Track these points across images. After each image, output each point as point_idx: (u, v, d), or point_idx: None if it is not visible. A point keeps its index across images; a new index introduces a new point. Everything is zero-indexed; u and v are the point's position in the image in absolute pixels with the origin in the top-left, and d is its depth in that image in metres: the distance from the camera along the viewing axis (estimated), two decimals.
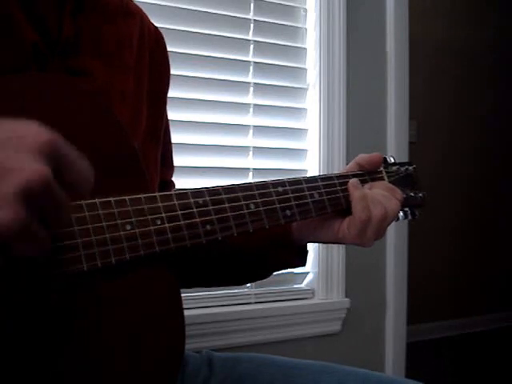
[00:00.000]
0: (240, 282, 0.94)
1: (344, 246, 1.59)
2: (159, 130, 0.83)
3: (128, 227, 0.55)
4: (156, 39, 0.84)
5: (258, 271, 0.86)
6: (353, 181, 0.74)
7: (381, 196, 0.72)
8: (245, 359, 0.85)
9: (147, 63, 0.80)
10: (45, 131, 0.42)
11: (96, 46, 0.72)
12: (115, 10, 0.77)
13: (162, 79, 0.85)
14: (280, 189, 0.68)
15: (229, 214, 0.63)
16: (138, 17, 0.82)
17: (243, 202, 0.64)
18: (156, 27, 0.86)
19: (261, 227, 0.66)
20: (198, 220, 0.60)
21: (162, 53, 0.86)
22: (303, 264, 0.83)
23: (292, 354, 1.51)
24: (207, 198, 0.62)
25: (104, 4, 0.76)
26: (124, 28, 0.78)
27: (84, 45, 0.71)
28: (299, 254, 0.82)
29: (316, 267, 1.58)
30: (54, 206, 0.42)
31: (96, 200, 0.55)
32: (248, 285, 1.48)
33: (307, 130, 1.60)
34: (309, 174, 1.58)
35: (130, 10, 0.81)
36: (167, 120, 0.88)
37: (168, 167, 0.89)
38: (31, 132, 0.42)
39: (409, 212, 0.83)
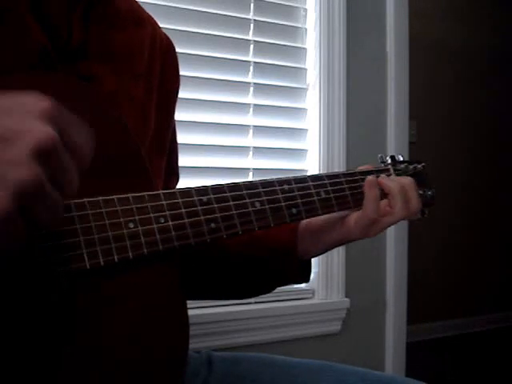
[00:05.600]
0: (240, 295, 0.92)
1: (344, 246, 1.58)
2: (165, 139, 0.82)
3: (131, 225, 0.55)
4: (167, 49, 0.84)
5: (260, 286, 0.85)
6: (370, 179, 0.73)
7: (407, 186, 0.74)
8: (244, 359, 0.84)
9: (157, 72, 0.80)
10: (45, 98, 0.43)
11: (105, 52, 0.72)
12: (126, 17, 0.77)
13: (172, 89, 0.85)
14: (286, 187, 0.67)
15: (233, 212, 0.62)
16: (150, 25, 0.81)
17: (248, 200, 0.64)
18: (166, 34, 0.85)
19: (266, 225, 0.65)
20: (202, 218, 0.60)
21: (172, 60, 0.85)
22: (306, 280, 0.82)
23: (292, 353, 1.51)
24: (211, 196, 0.61)
25: (115, 11, 0.75)
26: (135, 36, 0.77)
27: (93, 51, 0.70)
28: (302, 270, 0.80)
29: (316, 267, 1.58)
30: (63, 168, 0.43)
31: (99, 198, 0.54)
32: None
33: (307, 130, 1.60)
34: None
35: (142, 19, 0.80)
36: (175, 129, 0.87)
37: (172, 174, 0.88)
38: (33, 99, 0.43)
39: None
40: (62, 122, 0.43)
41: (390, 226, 0.73)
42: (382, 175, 0.76)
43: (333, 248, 0.79)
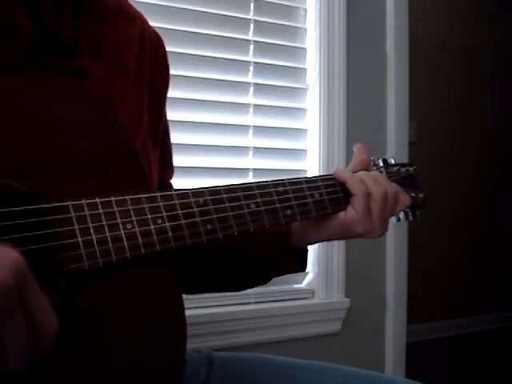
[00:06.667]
0: (237, 288, 0.93)
1: (344, 245, 1.59)
2: (158, 131, 0.83)
3: (129, 226, 0.56)
4: (156, 43, 0.85)
5: (256, 276, 0.85)
6: (335, 169, 0.75)
7: (378, 176, 0.73)
8: (245, 359, 0.84)
9: (147, 66, 0.80)
10: (16, 257, 0.42)
11: (95, 47, 0.72)
12: (115, 13, 0.78)
13: (162, 82, 0.86)
14: (280, 189, 0.68)
15: (229, 213, 0.63)
16: (139, 21, 0.82)
17: (244, 202, 0.65)
18: (155, 31, 0.86)
19: (261, 227, 0.66)
20: (198, 219, 0.60)
21: (161, 57, 0.86)
22: (303, 269, 0.83)
23: (292, 354, 1.51)
24: (208, 198, 0.62)
25: (104, 7, 0.76)
26: (124, 31, 0.78)
27: (83, 46, 0.71)
28: (298, 259, 0.81)
29: (316, 267, 1.58)
30: (11, 325, 0.41)
31: (97, 199, 0.55)
32: None
33: (307, 130, 1.60)
34: (309, 174, 1.59)
35: (131, 14, 0.81)
36: (167, 122, 0.88)
37: (167, 168, 0.88)
38: (5, 252, 0.41)
39: (410, 213, 0.83)
40: (25, 279, 0.42)
41: (386, 212, 0.73)
42: (374, 172, 0.76)
43: (331, 240, 0.79)
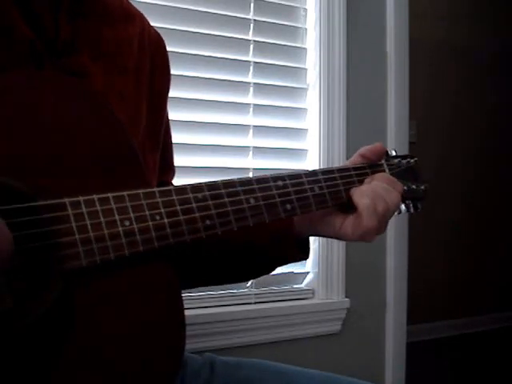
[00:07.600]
0: (241, 279, 0.93)
1: (344, 245, 1.59)
2: (158, 132, 0.82)
3: (126, 223, 0.55)
4: (156, 42, 0.84)
5: (260, 267, 0.85)
6: (360, 190, 0.73)
7: (382, 189, 0.72)
8: (247, 365, 0.84)
9: (147, 66, 0.80)
10: None
11: (94, 47, 0.72)
12: (115, 12, 0.77)
13: (163, 82, 0.85)
14: (280, 183, 0.68)
15: (228, 208, 0.62)
16: (139, 20, 0.81)
17: (243, 197, 0.64)
18: (156, 31, 0.86)
19: (261, 221, 0.65)
20: (197, 215, 0.60)
21: (162, 56, 0.85)
22: (305, 257, 0.82)
23: (292, 354, 1.51)
24: (206, 193, 0.62)
25: (104, 7, 0.75)
26: (124, 31, 0.77)
27: (82, 46, 0.71)
28: (301, 248, 0.80)
29: (316, 267, 1.57)
30: None
31: (94, 196, 0.55)
32: (248, 285, 1.48)
33: (307, 129, 1.60)
34: None
35: (131, 13, 0.80)
36: (168, 122, 0.87)
37: (168, 169, 0.88)
38: None
39: (411, 205, 0.82)
40: None
41: (384, 224, 0.73)
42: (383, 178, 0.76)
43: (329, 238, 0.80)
